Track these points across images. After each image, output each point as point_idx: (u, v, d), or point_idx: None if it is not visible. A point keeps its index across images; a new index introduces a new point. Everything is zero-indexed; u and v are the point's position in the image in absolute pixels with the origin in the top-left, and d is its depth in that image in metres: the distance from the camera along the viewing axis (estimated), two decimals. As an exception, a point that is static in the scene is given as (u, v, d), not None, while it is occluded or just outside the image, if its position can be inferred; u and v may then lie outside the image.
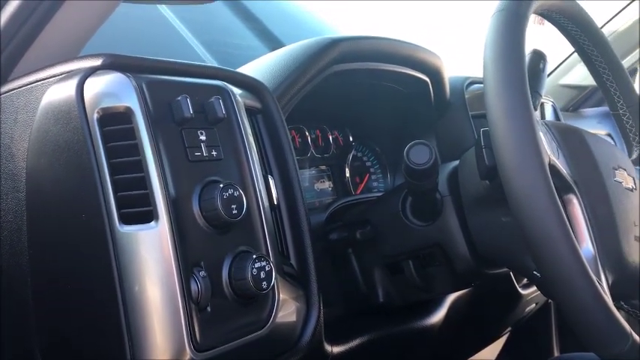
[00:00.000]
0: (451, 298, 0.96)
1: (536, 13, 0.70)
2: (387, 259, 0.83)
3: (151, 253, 0.53)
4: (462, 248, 0.76)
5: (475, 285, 0.91)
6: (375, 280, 0.84)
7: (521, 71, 0.60)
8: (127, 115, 0.54)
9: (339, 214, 0.89)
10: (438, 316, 0.93)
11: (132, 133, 0.54)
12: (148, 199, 0.53)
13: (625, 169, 0.73)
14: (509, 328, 1.33)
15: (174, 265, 0.52)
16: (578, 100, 1.83)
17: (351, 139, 1.10)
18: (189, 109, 0.56)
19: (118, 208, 0.53)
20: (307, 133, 1.03)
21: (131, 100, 0.54)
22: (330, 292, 0.84)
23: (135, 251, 0.53)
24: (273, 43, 1.61)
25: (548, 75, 1.86)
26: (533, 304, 1.24)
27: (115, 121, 0.54)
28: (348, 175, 1.09)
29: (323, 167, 1.07)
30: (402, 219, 0.79)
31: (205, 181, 0.57)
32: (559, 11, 0.76)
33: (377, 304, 0.84)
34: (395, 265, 0.83)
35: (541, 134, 0.62)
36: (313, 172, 1.05)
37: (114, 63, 0.57)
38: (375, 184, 1.14)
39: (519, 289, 1.10)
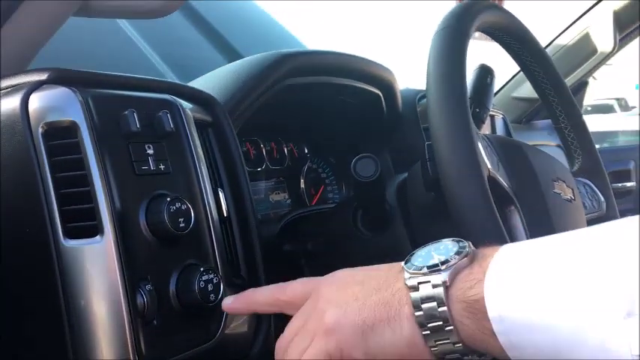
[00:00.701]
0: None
1: (478, 30, 0.73)
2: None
3: (96, 267, 0.53)
4: None
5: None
6: None
7: (461, 87, 0.62)
8: (72, 129, 0.54)
9: (293, 226, 0.91)
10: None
11: (77, 148, 0.54)
12: (94, 214, 0.53)
13: (564, 181, 0.76)
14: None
15: (119, 279, 0.53)
16: (530, 112, 1.88)
17: (306, 151, 1.12)
18: (135, 123, 0.56)
19: (63, 222, 0.53)
20: (262, 145, 1.04)
21: (76, 115, 0.54)
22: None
23: (80, 266, 0.53)
24: (232, 55, 1.61)
25: (502, 88, 1.92)
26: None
27: (61, 136, 0.54)
28: (303, 186, 1.10)
29: (278, 179, 1.08)
30: (352, 230, 0.81)
31: (152, 195, 0.57)
32: (500, 28, 0.79)
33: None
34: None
35: (481, 147, 0.64)
36: (269, 183, 1.06)
37: (60, 77, 0.57)
38: (330, 195, 1.15)
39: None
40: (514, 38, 0.82)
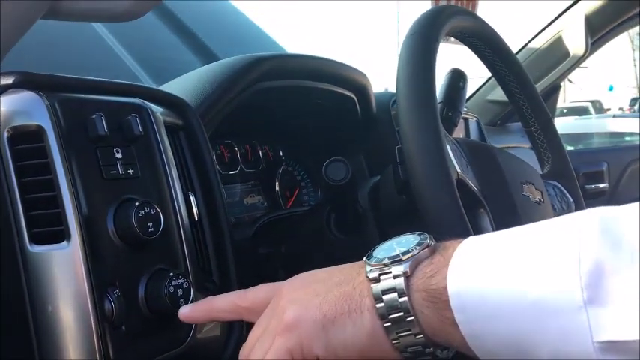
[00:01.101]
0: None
1: (448, 35, 0.74)
2: (313, 273, 0.85)
3: (62, 273, 0.52)
4: None
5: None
6: None
7: (430, 92, 0.63)
8: (38, 133, 0.54)
9: (267, 229, 0.91)
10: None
11: (44, 152, 0.54)
12: (60, 219, 0.53)
13: (533, 184, 0.77)
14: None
15: (86, 285, 0.52)
16: (504, 114, 1.91)
17: (281, 153, 1.12)
18: (103, 128, 0.56)
19: (29, 227, 0.53)
20: (236, 149, 1.04)
21: (43, 119, 0.54)
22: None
23: (46, 271, 0.52)
24: (207, 56, 1.60)
25: (477, 91, 1.94)
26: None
27: (27, 140, 0.54)
28: (278, 189, 1.10)
29: (253, 182, 1.08)
30: (326, 232, 0.81)
31: (121, 200, 0.57)
32: (470, 33, 0.80)
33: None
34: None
35: (450, 151, 0.65)
36: (243, 186, 1.06)
37: (26, 81, 0.56)
38: (305, 198, 1.15)
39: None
40: (484, 43, 0.83)
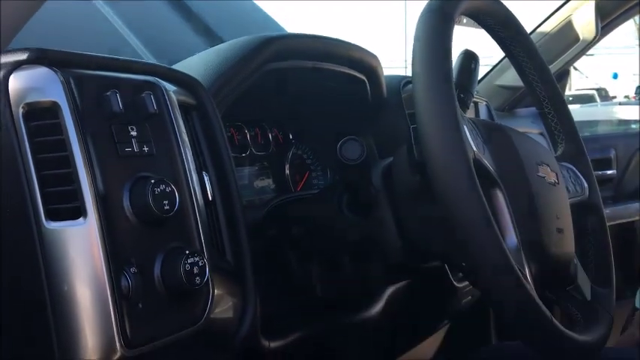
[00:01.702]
0: (389, 291, 0.98)
1: (463, 14, 0.73)
2: (325, 254, 0.84)
3: (79, 250, 0.52)
4: (395, 242, 0.78)
5: (410, 278, 0.93)
6: (313, 275, 0.85)
7: (447, 70, 0.62)
8: (53, 110, 0.53)
9: (278, 211, 0.90)
10: (375, 309, 0.95)
11: (59, 128, 0.53)
12: (76, 195, 0.52)
13: (548, 165, 0.76)
14: (446, 322, 1.37)
15: (103, 262, 0.52)
16: (513, 100, 1.89)
17: (290, 136, 1.11)
18: (118, 104, 0.55)
19: (45, 204, 0.52)
20: (246, 131, 1.03)
21: (58, 95, 0.53)
22: (267, 288, 0.85)
23: (63, 248, 0.52)
24: (214, 40, 1.59)
25: (485, 76, 1.93)
26: (470, 297, 1.28)
27: (42, 117, 0.54)
28: (287, 172, 1.09)
29: (263, 165, 1.07)
30: (337, 214, 0.81)
31: (136, 177, 0.56)
32: (486, 13, 0.79)
33: (315, 299, 0.85)
34: (332, 259, 0.85)
35: (467, 131, 0.65)
36: (253, 169, 1.05)
37: (40, 57, 0.55)
38: (315, 181, 1.15)
39: (455, 282, 1.14)
40: (499, 23, 0.82)
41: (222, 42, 0.93)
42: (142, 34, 1.46)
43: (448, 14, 0.67)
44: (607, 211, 2.07)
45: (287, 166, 1.10)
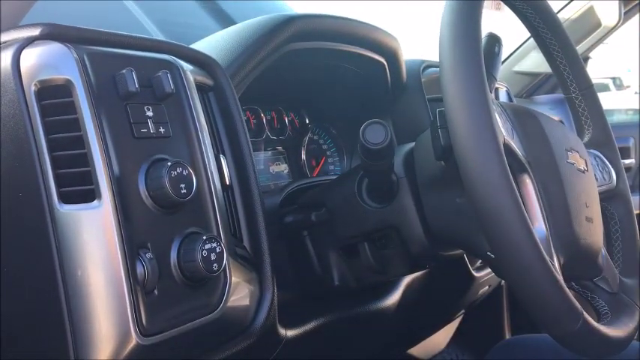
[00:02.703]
0: (406, 280, 0.96)
1: (492, -7, 0.70)
2: (343, 242, 0.82)
3: (93, 234, 0.50)
4: (417, 230, 0.75)
5: (430, 267, 0.91)
6: (331, 263, 0.83)
7: (478, 53, 0.59)
8: (67, 87, 0.51)
9: (294, 197, 0.88)
10: (393, 298, 0.93)
11: (72, 107, 0.51)
12: (90, 177, 0.50)
13: (577, 152, 0.74)
14: (462, 311, 1.34)
15: (118, 247, 0.50)
16: (531, 86, 1.86)
17: (307, 121, 1.08)
18: (134, 83, 0.53)
19: (58, 186, 0.50)
20: (262, 115, 1.01)
21: (71, 72, 0.51)
22: (284, 275, 0.82)
23: (76, 232, 0.50)
24: (227, 23, 1.57)
25: (503, 61, 1.89)
26: (487, 287, 1.25)
27: (55, 95, 0.51)
28: (304, 157, 1.07)
29: (278, 149, 1.05)
30: (357, 201, 0.78)
31: (152, 159, 0.54)
32: (515, -7, 0.75)
33: (332, 287, 0.83)
34: (350, 247, 0.82)
35: (496, 115, 0.62)
36: (269, 154, 1.03)
37: (53, 33, 0.53)
38: (331, 167, 1.12)
39: (473, 272, 1.11)
40: (530, 6, 0.79)
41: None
42: (156, 17, 1.43)
43: (477, -6, 0.63)
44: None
45: (303, 151, 1.07)
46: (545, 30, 0.82)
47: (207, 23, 1.61)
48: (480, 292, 1.24)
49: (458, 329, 1.57)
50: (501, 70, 1.86)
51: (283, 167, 1.05)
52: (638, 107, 4.72)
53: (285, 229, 0.84)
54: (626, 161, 1.96)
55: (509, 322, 1.64)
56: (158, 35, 1.39)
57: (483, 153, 0.57)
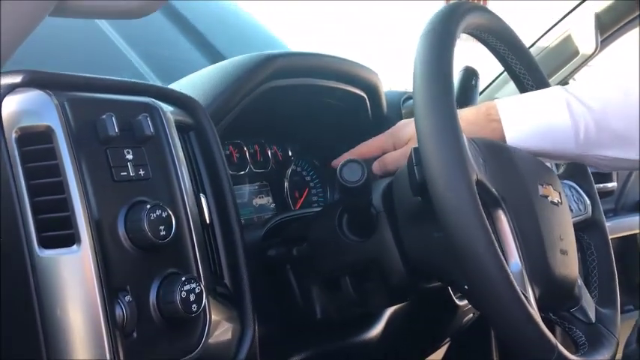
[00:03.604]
0: (389, 311, 0.97)
1: (464, 32, 0.72)
2: (325, 275, 0.83)
3: (72, 278, 0.51)
4: (397, 263, 0.76)
5: (411, 299, 0.92)
6: (313, 297, 0.84)
7: (449, 91, 0.61)
8: (47, 134, 0.52)
9: (277, 230, 0.89)
10: (376, 330, 0.93)
11: (53, 153, 0.52)
12: (70, 222, 0.51)
13: (551, 184, 0.75)
14: (448, 339, 1.35)
15: (97, 291, 0.51)
16: (513, 113, 1.88)
17: (290, 153, 1.10)
18: (114, 128, 0.54)
19: (38, 231, 0.51)
20: (245, 148, 1.02)
21: (52, 119, 0.52)
22: (267, 310, 0.83)
23: (56, 276, 0.51)
24: (214, 56, 1.58)
25: (486, 88, 1.92)
26: (471, 314, 1.26)
27: (35, 141, 0.52)
28: (287, 189, 1.08)
29: (262, 182, 1.06)
30: (338, 235, 0.79)
31: (132, 202, 0.55)
32: (486, 30, 0.78)
33: (314, 321, 0.84)
34: (332, 280, 0.83)
35: (469, 151, 0.63)
36: (252, 187, 1.04)
37: (34, 80, 0.54)
38: (314, 198, 1.14)
39: (456, 300, 1.12)
40: (500, 40, 0.81)
41: (223, 58, 0.92)
42: (143, 51, 1.45)
43: (449, 33, 0.66)
44: (608, 224, 2.05)
45: (286, 183, 1.08)
46: (516, 63, 0.84)
47: (193, 56, 1.63)
48: (465, 319, 1.25)
49: (444, 357, 1.57)
50: (483, 97, 1.90)
51: (267, 200, 1.06)
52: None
53: (268, 263, 0.85)
54: (609, 185, 1.98)
55: (497, 348, 1.65)
56: (144, 69, 1.41)
57: (456, 191, 0.58)
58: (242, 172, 1.01)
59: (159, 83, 1.34)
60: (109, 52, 1.42)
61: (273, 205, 1.06)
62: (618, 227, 1.93)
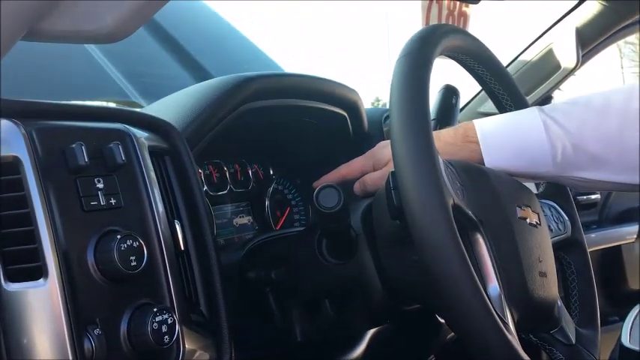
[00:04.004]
0: (370, 332, 0.96)
1: (441, 54, 0.72)
2: (305, 298, 0.82)
3: (40, 312, 0.50)
4: (376, 286, 0.76)
5: (393, 321, 0.91)
6: (293, 320, 0.83)
7: (425, 116, 0.61)
8: (15, 164, 0.51)
9: (257, 252, 0.88)
10: (358, 351, 0.92)
11: (20, 184, 0.51)
12: (37, 255, 0.50)
13: (529, 206, 0.75)
14: (432, 357, 1.34)
15: (65, 325, 0.50)
16: (496, 127, 1.89)
17: (271, 172, 1.09)
18: (83, 157, 0.53)
19: (4, 264, 0.50)
20: (225, 168, 1.01)
21: (19, 149, 0.51)
22: (247, 334, 0.82)
23: (23, 311, 0.50)
24: (199, 72, 1.58)
25: (468, 103, 1.93)
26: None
27: (3, 172, 0.51)
28: (268, 208, 1.07)
29: (243, 202, 1.05)
30: (317, 257, 0.78)
31: (102, 232, 0.54)
32: (463, 52, 0.78)
33: (295, 343, 0.83)
34: (313, 303, 0.82)
35: (445, 176, 0.63)
36: (232, 207, 1.04)
37: (2, 108, 0.53)
38: (296, 217, 1.13)
39: (439, 319, 1.12)
40: (476, 60, 0.81)
41: (209, 75, 0.92)
42: (125, 69, 1.44)
43: (425, 57, 0.66)
44: (592, 236, 2.06)
45: (267, 203, 1.08)
46: (495, 84, 0.84)
47: (177, 73, 1.62)
48: (449, 336, 1.25)
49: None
50: (466, 111, 1.91)
51: (247, 219, 1.05)
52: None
53: (248, 285, 0.84)
54: (592, 196, 1.99)
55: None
56: (127, 87, 1.40)
57: (431, 215, 0.58)
58: (222, 192, 1.00)
59: (141, 101, 1.34)
60: (91, 71, 1.41)
61: (254, 225, 1.06)
62: (602, 239, 1.94)
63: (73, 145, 0.54)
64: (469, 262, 0.59)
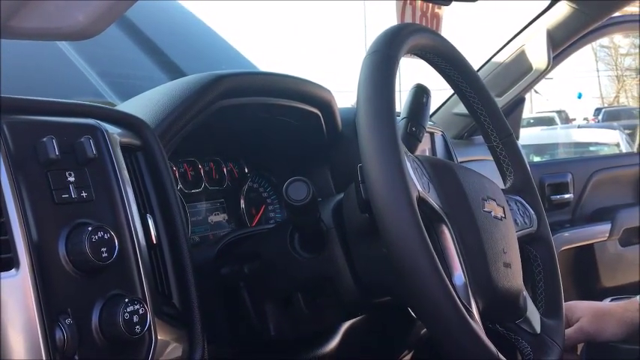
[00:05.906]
0: (344, 325, 0.97)
1: (408, 53, 0.74)
2: (277, 293, 0.84)
3: (11, 303, 0.50)
4: (347, 279, 0.77)
5: (366, 313, 0.93)
6: (267, 314, 0.84)
7: (389, 111, 0.63)
8: (-15, 158, 0.52)
9: (231, 247, 0.89)
10: (332, 345, 0.94)
11: (-9, 177, 0.52)
12: (9, 246, 0.51)
13: (494, 200, 0.78)
14: (410, 351, 1.36)
15: (36, 315, 0.50)
16: (470, 127, 1.92)
17: (246, 170, 1.11)
18: (54, 150, 0.54)
19: (-24, 255, 0.51)
20: (200, 166, 1.02)
21: (-10, 143, 0.52)
22: (220, 329, 0.83)
23: (-6, 301, 0.50)
24: (173, 72, 1.58)
25: (443, 104, 1.96)
26: (429, 327, 1.27)
27: (-27, 165, 0.52)
28: (243, 206, 1.09)
29: (218, 200, 1.06)
30: (289, 252, 0.80)
31: (73, 224, 0.55)
32: (431, 51, 0.80)
33: (268, 339, 0.84)
34: (285, 298, 0.84)
35: (410, 169, 0.65)
36: (207, 204, 1.04)
37: (-27, 103, 0.54)
38: (271, 214, 1.14)
39: (412, 313, 1.13)
40: (444, 60, 0.83)
41: (183, 74, 0.92)
42: (100, 68, 1.44)
43: (392, 56, 0.68)
44: (565, 234, 2.09)
45: (242, 200, 1.09)
46: (462, 83, 0.87)
47: (153, 73, 1.62)
48: (424, 330, 1.27)
49: (407, 369, 1.58)
50: (441, 112, 1.94)
51: (222, 217, 1.06)
52: (579, 141, 4.92)
53: (221, 281, 0.85)
54: (565, 196, 2.04)
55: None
56: (102, 87, 1.40)
57: (396, 208, 0.60)
58: (197, 190, 1.01)
59: (116, 100, 1.34)
60: (65, 70, 1.41)
61: (229, 222, 1.07)
62: (575, 237, 1.98)
63: (44, 139, 0.54)
64: (433, 252, 0.61)
